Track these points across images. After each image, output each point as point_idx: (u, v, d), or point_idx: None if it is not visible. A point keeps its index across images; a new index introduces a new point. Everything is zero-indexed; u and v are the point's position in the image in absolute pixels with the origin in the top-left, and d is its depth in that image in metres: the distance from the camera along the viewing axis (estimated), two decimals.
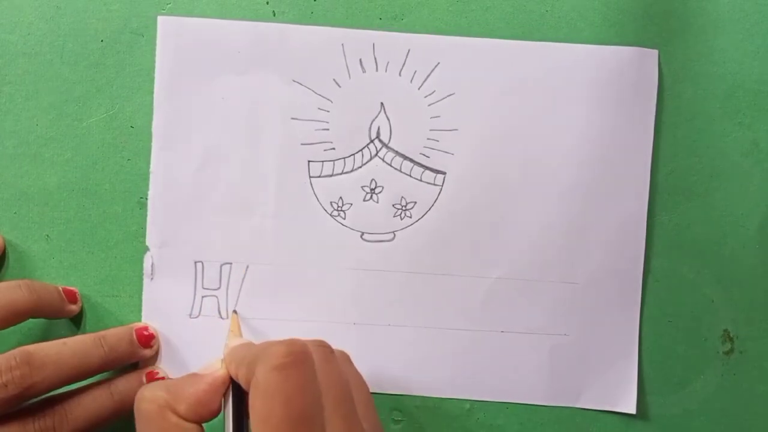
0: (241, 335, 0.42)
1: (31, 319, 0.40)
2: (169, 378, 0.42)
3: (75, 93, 0.43)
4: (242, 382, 0.34)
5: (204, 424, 0.35)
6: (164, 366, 0.43)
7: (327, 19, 0.43)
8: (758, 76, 0.44)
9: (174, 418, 0.34)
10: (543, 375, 0.44)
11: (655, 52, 0.43)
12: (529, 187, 0.43)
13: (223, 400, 0.36)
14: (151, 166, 0.43)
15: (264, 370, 0.31)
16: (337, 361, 0.35)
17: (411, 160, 0.43)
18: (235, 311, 0.43)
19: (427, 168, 0.43)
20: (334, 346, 0.36)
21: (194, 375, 0.36)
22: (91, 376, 0.40)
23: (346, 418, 0.32)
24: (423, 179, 0.43)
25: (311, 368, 0.32)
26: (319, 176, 0.43)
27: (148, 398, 0.35)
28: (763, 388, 0.44)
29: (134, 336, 0.42)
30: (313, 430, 0.30)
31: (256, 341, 0.42)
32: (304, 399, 0.30)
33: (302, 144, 0.43)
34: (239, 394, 0.36)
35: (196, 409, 0.34)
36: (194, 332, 0.43)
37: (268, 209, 0.43)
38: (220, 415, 0.36)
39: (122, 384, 0.41)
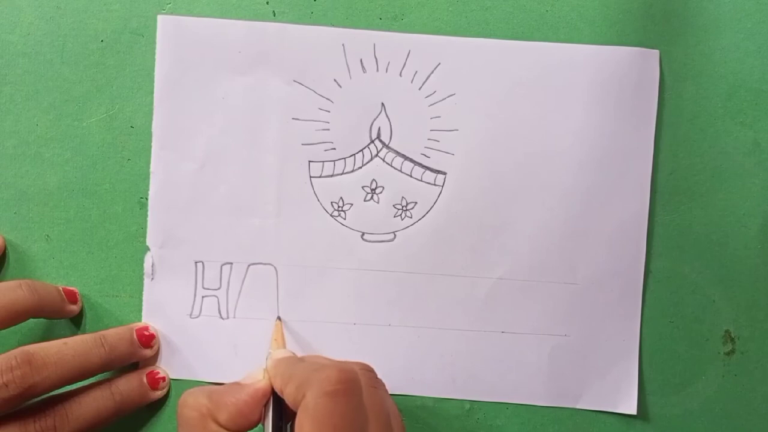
0: (284, 345, 0.42)
1: (31, 319, 0.40)
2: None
3: (75, 93, 0.43)
4: (288, 400, 0.34)
5: None
6: (164, 366, 0.43)
7: (327, 19, 0.43)
8: (760, 76, 0.44)
9: (214, 426, 0.35)
10: (543, 376, 0.44)
11: (656, 52, 0.43)
12: (529, 188, 0.43)
13: (263, 410, 0.36)
14: (151, 166, 0.43)
15: (315, 395, 0.32)
16: (382, 387, 0.35)
17: (411, 161, 0.43)
18: (279, 318, 0.43)
19: (427, 168, 0.43)
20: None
21: (237, 384, 0.37)
22: (92, 376, 0.40)
23: None
24: (423, 179, 0.43)
25: (360, 395, 0.33)
26: (320, 176, 0.43)
27: (190, 405, 0.36)
28: (764, 389, 0.44)
29: (134, 336, 0.42)
30: None
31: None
32: (352, 427, 0.31)
33: (303, 144, 0.43)
34: (279, 407, 0.36)
35: (237, 419, 0.35)
36: (194, 332, 0.43)
37: (268, 209, 0.43)
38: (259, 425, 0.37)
39: (123, 384, 0.41)
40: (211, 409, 0.35)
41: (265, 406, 0.36)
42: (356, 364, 0.35)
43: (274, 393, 0.36)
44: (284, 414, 0.37)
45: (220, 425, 0.35)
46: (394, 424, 0.34)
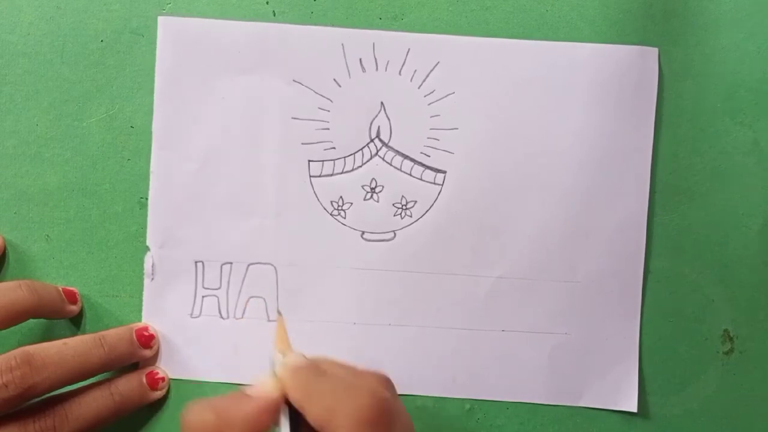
0: (289, 345, 0.39)
1: (31, 320, 0.40)
2: (212, 398, 0.40)
3: (75, 93, 0.43)
4: (311, 419, 0.32)
5: None
6: (164, 366, 0.43)
7: (327, 19, 0.43)
8: (760, 75, 0.44)
9: None
10: (544, 374, 0.44)
11: (655, 50, 0.43)
12: (529, 186, 0.43)
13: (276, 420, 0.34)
14: (152, 166, 0.43)
15: (350, 423, 0.30)
16: (398, 398, 0.35)
17: (411, 160, 0.43)
18: (279, 312, 0.43)
19: (427, 167, 0.43)
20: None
21: (244, 396, 0.34)
22: (92, 377, 0.40)
23: None
24: (423, 178, 0.43)
25: (395, 422, 0.32)
26: (320, 176, 0.43)
27: (195, 424, 0.33)
28: (763, 389, 0.44)
29: (134, 336, 0.42)
30: None
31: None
32: None
33: (302, 143, 0.43)
34: (294, 417, 0.34)
35: None
36: (195, 332, 0.43)
37: (268, 209, 0.43)
38: None
39: (122, 384, 0.41)
40: (219, 425, 0.33)
41: (279, 416, 0.34)
42: (379, 382, 0.34)
43: (288, 403, 0.34)
44: (299, 424, 0.34)
45: None
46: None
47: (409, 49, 0.43)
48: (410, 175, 0.43)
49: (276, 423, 0.34)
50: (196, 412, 0.33)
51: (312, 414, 0.32)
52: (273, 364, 0.36)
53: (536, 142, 0.43)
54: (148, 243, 0.43)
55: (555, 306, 0.44)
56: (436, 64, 0.43)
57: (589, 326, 0.44)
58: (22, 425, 0.37)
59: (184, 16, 0.43)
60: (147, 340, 0.42)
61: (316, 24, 0.43)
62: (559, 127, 0.43)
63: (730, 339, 0.44)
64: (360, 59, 0.43)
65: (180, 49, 0.43)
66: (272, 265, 0.43)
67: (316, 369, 0.35)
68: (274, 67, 0.43)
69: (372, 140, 0.43)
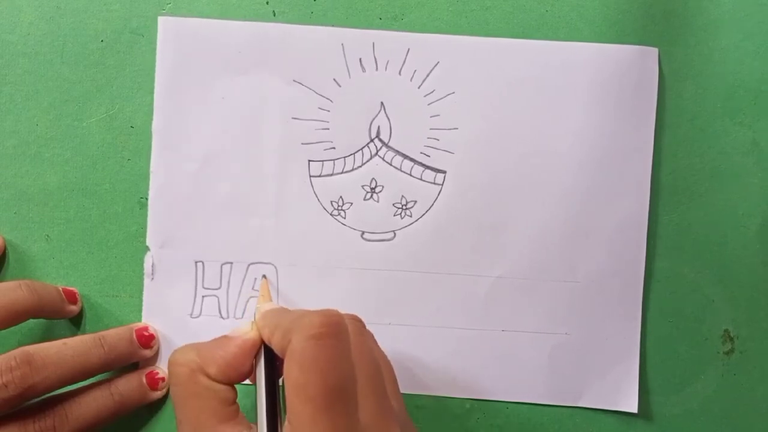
0: (271, 300, 0.42)
1: (31, 320, 0.40)
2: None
3: (75, 93, 0.43)
4: (276, 348, 0.34)
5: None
6: (164, 366, 0.43)
7: (327, 19, 0.43)
8: (759, 76, 0.44)
9: (205, 380, 0.35)
10: (544, 374, 0.44)
11: (655, 50, 0.44)
12: (529, 186, 0.43)
13: (254, 362, 0.36)
14: (152, 166, 0.43)
15: (300, 339, 0.31)
16: (369, 336, 0.35)
17: (411, 159, 0.43)
18: (264, 276, 0.43)
19: (427, 167, 0.43)
20: None
21: (225, 337, 0.36)
22: (92, 377, 0.40)
23: (377, 394, 0.32)
24: (423, 178, 0.43)
25: (346, 340, 0.32)
26: (320, 176, 0.43)
27: (179, 361, 0.35)
28: (763, 389, 0.44)
29: (134, 336, 0.42)
30: (347, 403, 0.30)
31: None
32: (340, 370, 0.31)
33: (302, 143, 0.43)
34: (270, 358, 0.36)
35: (227, 371, 0.35)
36: (195, 332, 0.43)
37: (268, 209, 0.43)
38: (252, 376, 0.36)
39: (122, 384, 0.41)
40: (201, 363, 0.35)
41: (256, 357, 0.36)
42: (343, 313, 0.34)
43: (264, 345, 0.36)
44: (275, 364, 0.36)
45: (211, 379, 0.35)
46: (384, 372, 0.34)
47: (408, 49, 0.43)
48: (410, 175, 0.43)
49: (255, 364, 0.36)
50: (181, 352, 0.36)
51: (275, 344, 0.33)
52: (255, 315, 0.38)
53: (536, 142, 0.43)
54: (148, 243, 0.43)
55: (555, 306, 0.44)
56: (436, 64, 0.43)
57: (589, 326, 0.44)
58: (22, 425, 0.37)
59: (184, 16, 0.43)
60: (147, 340, 0.42)
61: (316, 24, 0.43)
62: (558, 127, 0.43)
63: (730, 339, 0.44)
64: (360, 59, 0.43)
65: (180, 49, 0.43)
66: (272, 265, 0.43)
67: (283, 309, 0.38)
68: (274, 67, 0.43)
69: (372, 140, 0.43)
